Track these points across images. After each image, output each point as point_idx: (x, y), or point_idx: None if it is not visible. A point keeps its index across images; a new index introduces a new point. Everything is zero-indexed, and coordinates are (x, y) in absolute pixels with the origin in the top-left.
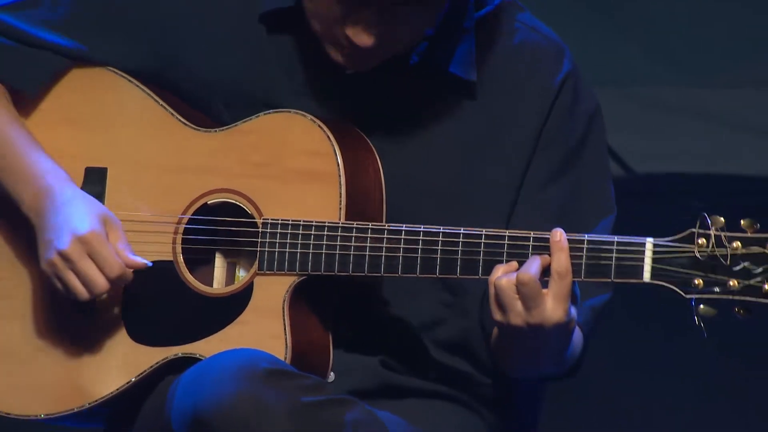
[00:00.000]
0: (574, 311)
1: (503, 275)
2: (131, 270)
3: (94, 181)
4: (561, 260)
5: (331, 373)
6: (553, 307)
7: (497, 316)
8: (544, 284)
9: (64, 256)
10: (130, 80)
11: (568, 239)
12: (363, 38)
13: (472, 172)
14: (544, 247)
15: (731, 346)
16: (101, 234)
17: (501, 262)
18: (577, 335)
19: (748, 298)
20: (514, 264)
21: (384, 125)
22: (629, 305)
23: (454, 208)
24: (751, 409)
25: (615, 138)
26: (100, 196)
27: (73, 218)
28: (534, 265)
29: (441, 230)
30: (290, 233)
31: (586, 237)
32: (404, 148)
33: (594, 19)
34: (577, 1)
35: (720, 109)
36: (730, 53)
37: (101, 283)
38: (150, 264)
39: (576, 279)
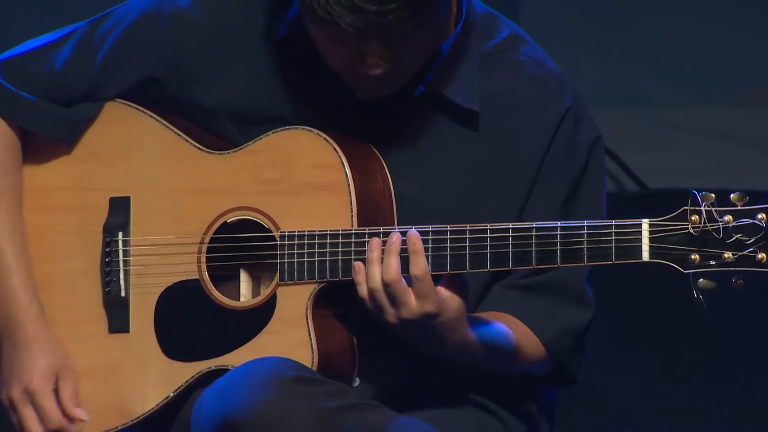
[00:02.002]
0: (450, 302)
1: (368, 283)
2: (74, 421)
3: (119, 210)
4: (418, 264)
5: (357, 379)
6: (419, 303)
7: (374, 316)
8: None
9: (10, 400)
10: (143, 111)
11: (568, 225)
12: (373, 69)
13: (474, 198)
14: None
15: (735, 345)
16: (46, 387)
17: (508, 258)
18: (500, 328)
19: (743, 268)
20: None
21: (388, 150)
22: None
23: None
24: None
25: (629, 155)
26: (125, 225)
27: (25, 365)
28: (394, 265)
29: (448, 229)
30: (307, 243)
31: (586, 223)
32: (406, 173)
33: (607, 42)
34: (591, 27)
35: (730, 128)
36: (740, 74)
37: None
38: (87, 418)
39: (579, 264)
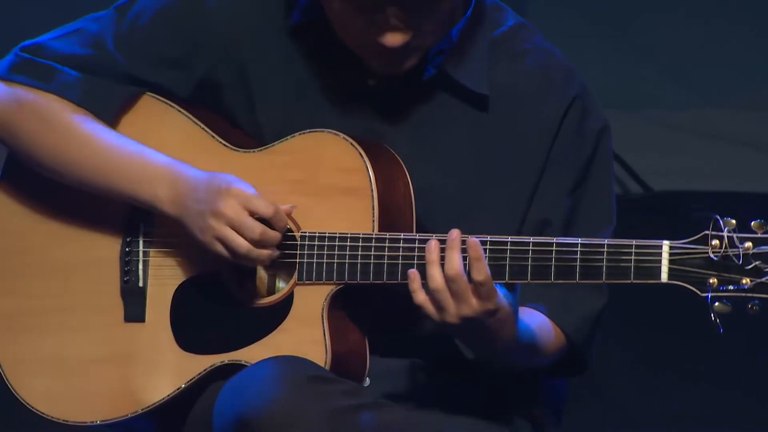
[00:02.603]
0: (504, 301)
1: (430, 281)
2: (282, 213)
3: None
4: (480, 270)
5: (367, 378)
6: (481, 302)
7: (435, 317)
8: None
9: (218, 214)
10: (173, 106)
11: (588, 243)
12: (390, 39)
13: (484, 183)
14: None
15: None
16: (230, 203)
17: (526, 266)
18: (537, 320)
19: (760, 295)
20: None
21: (399, 135)
22: (644, 310)
23: (466, 217)
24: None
25: (633, 157)
26: (147, 216)
27: (214, 184)
28: (456, 260)
29: (468, 238)
30: (327, 245)
31: (606, 242)
32: (418, 157)
33: (611, 44)
34: (595, 29)
35: (733, 130)
36: (743, 76)
37: (256, 227)
38: (294, 207)
39: (597, 281)
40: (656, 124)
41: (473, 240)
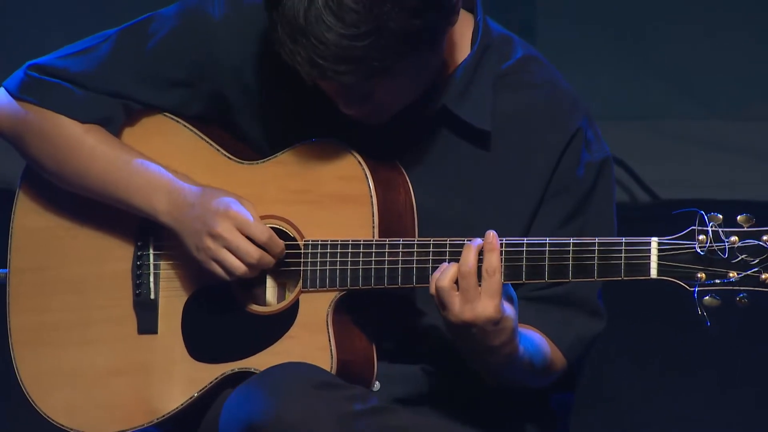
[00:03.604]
0: (509, 311)
1: (441, 278)
2: (276, 239)
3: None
4: (491, 260)
5: (377, 383)
6: (485, 302)
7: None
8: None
9: (215, 236)
10: (183, 124)
11: (579, 242)
12: (344, 108)
13: (483, 214)
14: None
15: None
16: (228, 225)
17: (521, 271)
18: (537, 341)
19: (747, 288)
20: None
21: (402, 164)
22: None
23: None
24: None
25: (642, 167)
26: (157, 229)
27: (212, 203)
28: (471, 261)
29: (465, 242)
30: (329, 252)
31: (597, 240)
32: (419, 187)
33: (621, 57)
34: (606, 42)
35: (739, 141)
36: (750, 88)
37: (253, 252)
38: (279, 245)
39: (590, 279)
40: (664, 135)
41: (492, 232)
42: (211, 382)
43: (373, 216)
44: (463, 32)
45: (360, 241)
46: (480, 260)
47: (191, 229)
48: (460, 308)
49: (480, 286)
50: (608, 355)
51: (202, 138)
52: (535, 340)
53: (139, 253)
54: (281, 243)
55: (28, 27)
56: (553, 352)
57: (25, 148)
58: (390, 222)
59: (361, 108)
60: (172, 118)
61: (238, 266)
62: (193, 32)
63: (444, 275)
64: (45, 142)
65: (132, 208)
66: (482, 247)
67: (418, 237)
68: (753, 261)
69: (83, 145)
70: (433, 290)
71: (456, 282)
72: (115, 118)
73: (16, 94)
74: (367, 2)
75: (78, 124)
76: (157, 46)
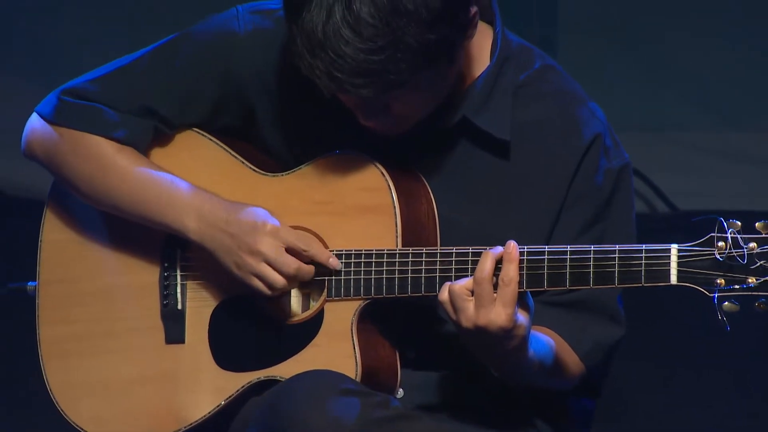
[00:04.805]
0: (523, 320)
1: (455, 283)
2: (317, 244)
3: None
4: (509, 270)
5: (400, 390)
6: (498, 310)
7: (451, 318)
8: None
9: (255, 252)
10: (203, 135)
11: (600, 249)
12: (363, 120)
13: (504, 222)
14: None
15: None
16: (268, 241)
17: (543, 278)
18: (550, 345)
19: (766, 293)
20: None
21: (423, 174)
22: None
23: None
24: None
25: (660, 178)
26: (184, 241)
27: (246, 219)
28: (487, 268)
29: (488, 249)
30: (353, 262)
31: (618, 247)
32: (440, 196)
33: (638, 69)
34: (624, 54)
35: (756, 152)
36: (764, 100)
37: (291, 263)
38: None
39: (610, 285)
40: (681, 146)
41: (513, 242)
42: (237, 390)
43: (396, 226)
44: (483, 44)
45: (384, 250)
46: (498, 269)
47: (226, 247)
48: (474, 313)
49: (495, 293)
50: (630, 362)
51: (227, 151)
52: (548, 343)
53: (166, 264)
54: (325, 250)
55: (64, 49)
56: (570, 356)
57: (59, 171)
58: (413, 232)
59: (379, 120)
60: (199, 133)
61: (278, 280)
62: (218, 48)
63: (458, 281)
64: (78, 164)
65: (162, 227)
66: (501, 256)
67: (440, 246)
68: None
69: (115, 166)
70: (445, 295)
71: (470, 290)
72: (146, 139)
73: (50, 120)
74: (384, 17)
75: (110, 145)
76: (185, 63)
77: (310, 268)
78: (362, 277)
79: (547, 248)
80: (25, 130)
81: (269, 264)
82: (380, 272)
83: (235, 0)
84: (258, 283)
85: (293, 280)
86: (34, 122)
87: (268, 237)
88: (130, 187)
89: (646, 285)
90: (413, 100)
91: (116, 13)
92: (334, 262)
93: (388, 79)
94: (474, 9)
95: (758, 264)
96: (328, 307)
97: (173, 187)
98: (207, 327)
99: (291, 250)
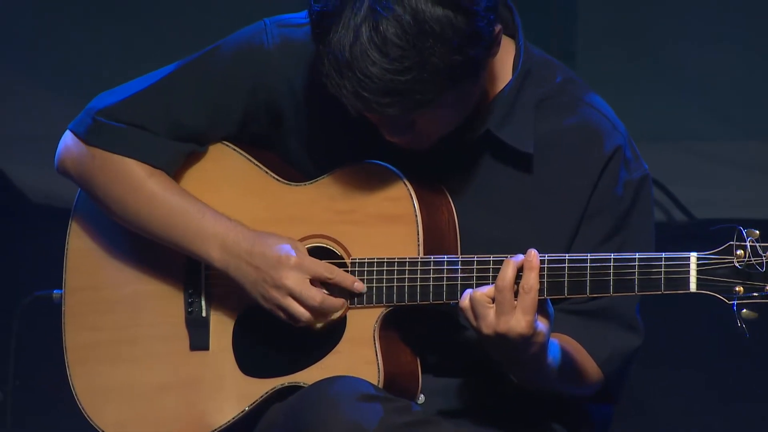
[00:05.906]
0: (542, 327)
1: (477, 290)
2: (341, 273)
3: None
4: (529, 278)
5: (421, 395)
6: (518, 317)
7: (472, 324)
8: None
9: (280, 286)
10: (227, 145)
11: (620, 257)
12: (388, 136)
13: (525, 235)
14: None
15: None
16: (294, 275)
17: (563, 286)
18: (569, 352)
19: None
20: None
21: (446, 185)
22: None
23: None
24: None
25: (678, 187)
26: None
27: (270, 251)
28: (508, 276)
29: (509, 258)
30: (376, 270)
31: (637, 255)
32: (462, 209)
33: (656, 80)
34: (641, 66)
35: None
36: None
37: (318, 297)
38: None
39: (630, 293)
40: (700, 156)
41: (533, 250)
42: (261, 396)
43: (418, 234)
44: (505, 58)
45: (406, 258)
46: (519, 277)
47: (252, 279)
48: (494, 320)
49: (516, 301)
50: (648, 369)
51: (251, 161)
52: (567, 350)
53: (190, 272)
54: (349, 276)
55: (93, 58)
56: (588, 364)
57: (90, 190)
58: (434, 240)
59: (404, 136)
60: (224, 144)
61: (303, 313)
62: (247, 62)
63: (480, 288)
64: (108, 185)
65: (188, 253)
66: (522, 265)
67: (461, 255)
68: None
69: (145, 190)
70: (466, 302)
71: (491, 297)
72: (178, 163)
73: (85, 140)
74: (410, 38)
75: (142, 169)
76: (215, 79)
77: (333, 301)
78: (384, 285)
79: (567, 257)
80: (59, 148)
81: (294, 298)
82: (402, 280)
83: (255, 7)
84: (282, 315)
85: (318, 312)
86: (68, 140)
87: (294, 271)
88: (159, 213)
89: (665, 293)
90: (438, 117)
91: (143, 21)
92: (359, 286)
93: (414, 98)
94: (498, 27)
95: None
96: (350, 314)
97: (199, 215)
98: (231, 334)
99: (316, 280)
